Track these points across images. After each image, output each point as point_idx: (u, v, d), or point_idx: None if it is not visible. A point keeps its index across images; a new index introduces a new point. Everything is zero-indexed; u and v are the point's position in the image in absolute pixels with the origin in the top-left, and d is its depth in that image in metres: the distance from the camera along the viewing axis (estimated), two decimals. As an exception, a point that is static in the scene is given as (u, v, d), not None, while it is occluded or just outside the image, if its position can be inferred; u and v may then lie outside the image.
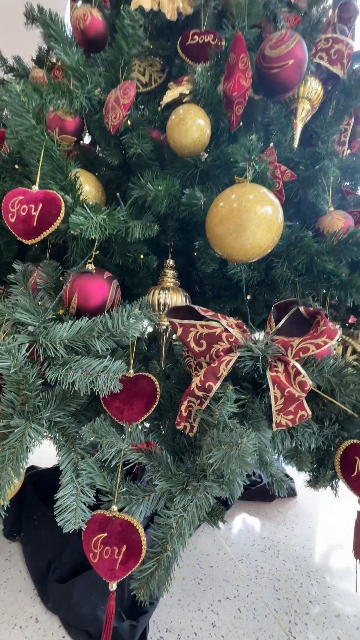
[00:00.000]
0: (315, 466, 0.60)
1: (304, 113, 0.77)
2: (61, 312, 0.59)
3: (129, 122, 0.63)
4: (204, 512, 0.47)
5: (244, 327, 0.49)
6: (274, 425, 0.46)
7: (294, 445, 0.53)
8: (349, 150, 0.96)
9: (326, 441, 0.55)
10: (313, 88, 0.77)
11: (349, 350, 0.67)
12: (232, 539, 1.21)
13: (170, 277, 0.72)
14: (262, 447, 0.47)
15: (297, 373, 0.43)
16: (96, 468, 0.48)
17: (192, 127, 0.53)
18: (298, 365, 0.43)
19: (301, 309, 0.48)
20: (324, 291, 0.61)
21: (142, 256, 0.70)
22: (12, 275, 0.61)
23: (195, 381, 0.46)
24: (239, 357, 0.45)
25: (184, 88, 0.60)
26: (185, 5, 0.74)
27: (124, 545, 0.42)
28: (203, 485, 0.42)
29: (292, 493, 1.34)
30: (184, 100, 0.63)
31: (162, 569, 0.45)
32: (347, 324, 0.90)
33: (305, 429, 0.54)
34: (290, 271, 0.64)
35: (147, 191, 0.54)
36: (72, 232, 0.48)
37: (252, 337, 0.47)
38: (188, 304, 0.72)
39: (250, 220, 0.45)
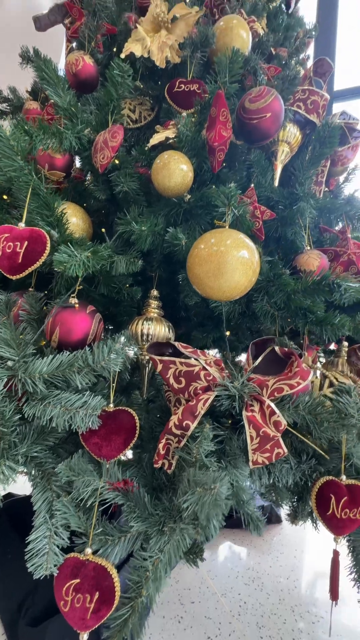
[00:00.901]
0: (294, 500, 0.61)
1: (283, 155, 0.82)
2: (43, 343, 0.59)
3: (116, 161, 0.66)
4: (181, 552, 0.46)
5: (222, 364, 0.50)
6: (250, 463, 0.47)
7: (271, 481, 0.53)
8: (326, 189, 1.02)
9: (303, 477, 0.56)
10: (292, 133, 0.82)
11: (327, 382, 0.69)
12: (215, 571, 1.18)
13: (154, 307, 0.74)
14: (238, 486, 0.47)
15: (272, 413, 0.45)
16: (71, 508, 0.47)
17: (175, 172, 0.56)
18: (273, 405, 0.45)
19: (276, 348, 0.49)
20: (301, 326, 0.63)
21: (127, 286, 0.71)
22: (-5, 305, 0.62)
23: (173, 419, 0.47)
24: (216, 395, 0.46)
25: (170, 132, 0.64)
26: (174, 55, 0.80)
27: (97, 592, 0.41)
28: (179, 527, 0.42)
29: (277, 520, 1.32)
30: (169, 142, 0.66)
31: (136, 616, 0.44)
32: (327, 350, 0.93)
33: (283, 465, 0.55)
34: (270, 305, 0.67)
35: (132, 229, 0.56)
36: (55, 269, 0.49)
37: (230, 375, 0.49)
38: (171, 334, 0.73)
39: (227, 263, 0.47)
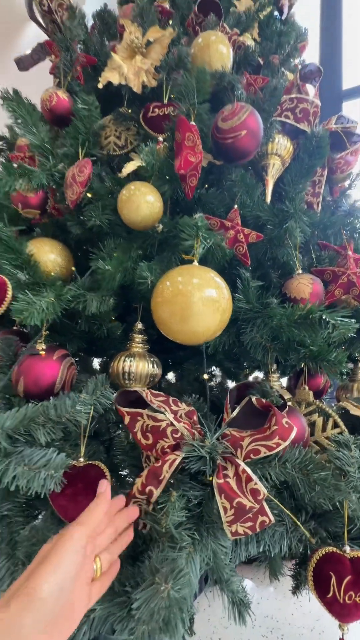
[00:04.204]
0: (295, 566, 0.52)
1: (274, 170, 0.76)
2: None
3: (89, 195, 0.64)
4: (159, 633, 0.40)
5: (195, 417, 0.44)
6: (228, 534, 0.40)
7: (262, 549, 0.46)
8: (329, 198, 0.94)
9: (301, 542, 0.48)
10: (282, 144, 0.76)
11: (330, 421, 0.61)
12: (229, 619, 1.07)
13: (138, 342, 0.69)
14: (217, 562, 0.41)
15: (248, 479, 0.38)
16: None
17: (141, 205, 0.52)
18: (249, 471, 0.38)
19: (253, 400, 0.43)
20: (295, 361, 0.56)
21: (112, 319, 0.68)
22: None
23: (137, 484, 0.41)
24: (185, 457, 0.40)
25: (140, 161, 0.61)
26: (150, 79, 0.77)
27: None
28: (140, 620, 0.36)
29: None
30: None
31: None
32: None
33: (275, 529, 0.47)
34: (261, 336, 0.60)
35: (98, 269, 0.52)
36: (14, 319, 0.47)
37: (201, 432, 0.43)
38: (156, 370, 0.68)
39: (193, 305, 0.42)
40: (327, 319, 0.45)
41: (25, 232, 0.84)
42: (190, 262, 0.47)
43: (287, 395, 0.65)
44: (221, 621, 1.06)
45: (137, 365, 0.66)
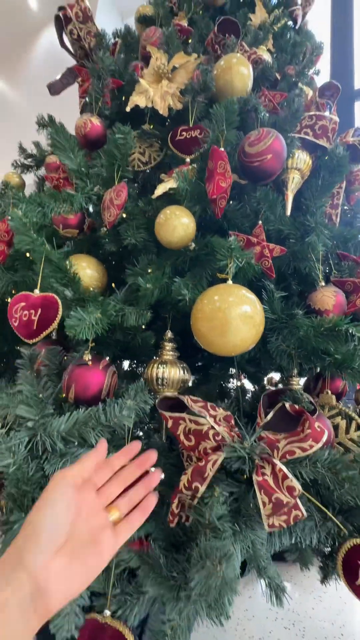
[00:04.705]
0: (323, 558, 0.57)
1: (293, 184, 0.80)
2: (62, 396, 0.62)
3: (124, 215, 0.69)
4: (202, 615, 0.45)
5: (232, 421, 0.49)
6: (266, 526, 0.45)
7: (293, 541, 0.51)
8: (346, 207, 0.97)
9: (329, 535, 0.52)
10: (301, 159, 0.80)
11: (354, 424, 0.65)
12: (253, 611, 1.12)
13: (168, 349, 0.75)
14: (255, 551, 0.46)
15: (285, 477, 0.43)
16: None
17: (177, 227, 0.57)
18: (285, 469, 0.43)
19: (287, 405, 0.47)
20: (320, 368, 0.60)
21: (142, 327, 0.73)
22: (20, 360, 0.66)
23: (183, 481, 0.46)
24: (226, 457, 0.45)
25: (172, 183, 0.66)
26: (175, 102, 0.82)
27: (114, 660, 0.41)
28: (193, 598, 0.41)
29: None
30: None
31: None
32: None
33: (306, 523, 0.52)
34: (287, 345, 0.65)
35: (139, 286, 0.58)
36: (67, 333, 0.52)
37: (240, 434, 0.47)
38: (187, 375, 0.73)
39: (232, 320, 0.47)
40: (354, 333, 0.49)
41: (59, 247, 0.91)
42: (225, 280, 0.52)
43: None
44: (245, 614, 1.10)
45: (170, 371, 0.71)
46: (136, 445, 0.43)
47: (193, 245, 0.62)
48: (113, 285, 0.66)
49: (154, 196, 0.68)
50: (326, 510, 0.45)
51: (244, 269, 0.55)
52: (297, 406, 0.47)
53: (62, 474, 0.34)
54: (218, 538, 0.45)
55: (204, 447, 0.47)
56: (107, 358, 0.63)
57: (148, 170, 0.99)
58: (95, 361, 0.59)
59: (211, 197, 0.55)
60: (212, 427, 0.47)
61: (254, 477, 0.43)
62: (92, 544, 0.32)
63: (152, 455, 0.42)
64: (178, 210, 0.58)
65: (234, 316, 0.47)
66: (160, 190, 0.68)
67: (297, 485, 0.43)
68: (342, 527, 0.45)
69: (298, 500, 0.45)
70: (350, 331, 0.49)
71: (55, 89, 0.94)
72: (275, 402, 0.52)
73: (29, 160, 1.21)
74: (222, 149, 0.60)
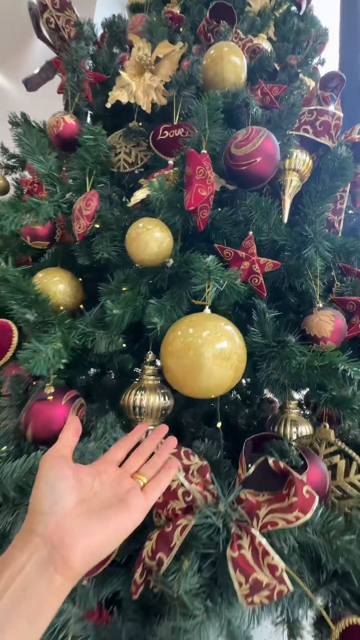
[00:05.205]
0: (315, 624, 0.49)
1: (291, 188, 0.71)
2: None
3: (97, 225, 0.62)
4: None
5: (208, 475, 0.42)
6: (244, 605, 0.38)
7: (279, 613, 0.44)
8: (351, 211, 0.88)
9: (322, 603, 0.45)
10: (300, 159, 0.71)
11: (354, 465, 0.57)
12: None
13: (149, 374, 0.67)
14: (232, 631, 0.39)
15: (265, 553, 0.35)
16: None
17: (149, 243, 0.49)
18: (265, 544, 0.35)
19: (270, 462, 0.40)
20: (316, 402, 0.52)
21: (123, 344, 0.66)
22: (-18, 388, 0.60)
23: (147, 549, 0.39)
24: (196, 524, 0.38)
25: (148, 191, 0.58)
26: (159, 97, 0.74)
27: None
28: None
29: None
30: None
31: None
32: None
33: (295, 589, 0.44)
34: (278, 375, 0.57)
35: (107, 311, 0.50)
36: (21, 367, 0.46)
37: (214, 494, 0.40)
38: (168, 402, 0.66)
39: (205, 359, 0.40)
40: (352, 376, 0.41)
41: (35, 258, 0.84)
42: (202, 307, 0.44)
43: (308, 433, 0.61)
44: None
45: (149, 398, 0.64)
46: (164, 429, 0.41)
47: (171, 261, 0.55)
48: (81, 306, 0.58)
49: (130, 204, 0.60)
50: (299, 581, 0.37)
51: (226, 293, 0.47)
52: (282, 464, 0.39)
53: (46, 454, 0.35)
54: (187, 616, 0.38)
55: (173, 507, 0.40)
56: (74, 390, 0.56)
57: (136, 172, 0.91)
58: (58, 394, 0.53)
59: (189, 208, 0.48)
60: (182, 485, 0.40)
61: (229, 552, 0.36)
62: (118, 504, 0.33)
63: (171, 440, 0.41)
64: (151, 223, 0.50)
65: (207, 356, 0.39)
66: (137, 197, 0.61)
67: (280, 564, 0.35)
68: (327, 618, 0.38)
69: (284, 574, 0.38)
70: (349, 373, 0.41)
71: (32, 84, 0.87)
72: (260, 448, 0.45)
73: (13, 160, 1.14)
74: (205, 150, 0.52)
